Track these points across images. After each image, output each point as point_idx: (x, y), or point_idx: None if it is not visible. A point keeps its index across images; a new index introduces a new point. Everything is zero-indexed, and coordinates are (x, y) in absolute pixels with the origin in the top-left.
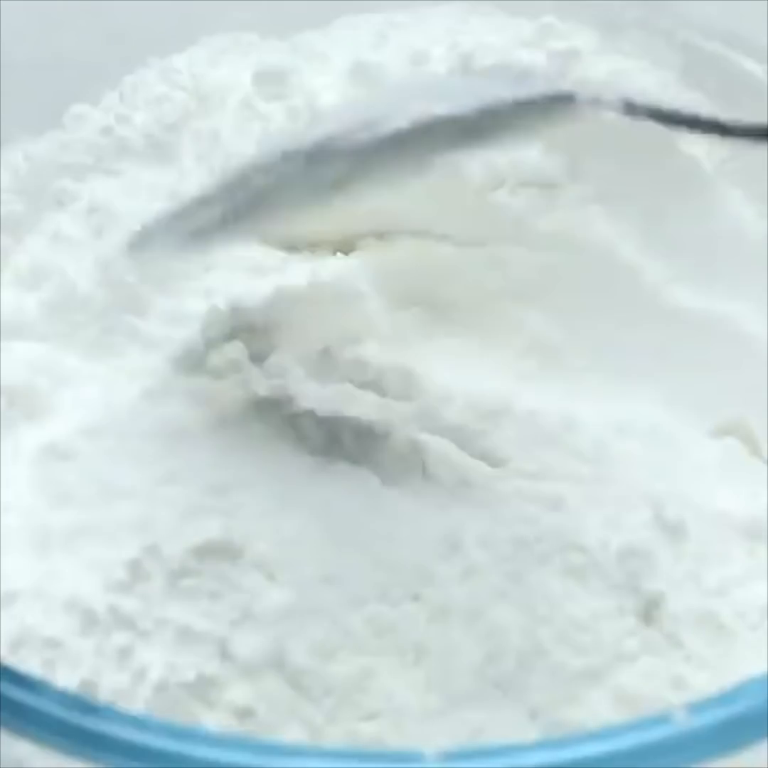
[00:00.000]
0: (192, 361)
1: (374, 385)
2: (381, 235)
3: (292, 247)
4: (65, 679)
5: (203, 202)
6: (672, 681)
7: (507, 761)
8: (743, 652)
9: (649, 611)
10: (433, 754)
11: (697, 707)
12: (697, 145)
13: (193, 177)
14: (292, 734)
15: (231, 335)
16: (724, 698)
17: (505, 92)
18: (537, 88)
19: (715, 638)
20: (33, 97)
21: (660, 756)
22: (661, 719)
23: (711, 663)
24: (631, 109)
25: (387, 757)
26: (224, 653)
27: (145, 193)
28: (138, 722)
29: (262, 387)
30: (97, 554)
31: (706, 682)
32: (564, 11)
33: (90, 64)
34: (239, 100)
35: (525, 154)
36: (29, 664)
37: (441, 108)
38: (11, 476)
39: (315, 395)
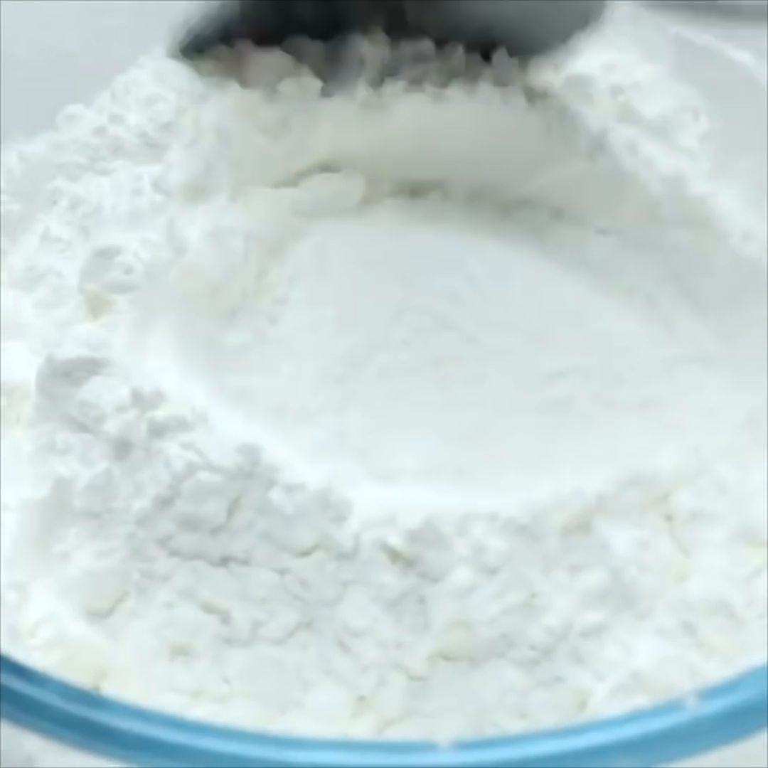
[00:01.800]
0: None
1: None
2: None
3: None
4: None
5: None
6: (685, 669)
7: (518, 750)
8: (752, 641)
9: None
10: (445, 745)
11: (703, 695)
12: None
13: (180, 168)
14: None
15: None
16: (728, 687)
17: None
18: None
19: (726, 626)
20: (26, 98)
21: (668, 745)
22: (671, 708)
23: (721, 651)
24: None
25: (399, 748)
26: None
27: (131, 188)
28: (142, 714)
29: None
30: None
31: (716, 671)
32: None
33: (83, 65)
34: None
35: None
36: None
37: None
38: (11, 475)
39: None
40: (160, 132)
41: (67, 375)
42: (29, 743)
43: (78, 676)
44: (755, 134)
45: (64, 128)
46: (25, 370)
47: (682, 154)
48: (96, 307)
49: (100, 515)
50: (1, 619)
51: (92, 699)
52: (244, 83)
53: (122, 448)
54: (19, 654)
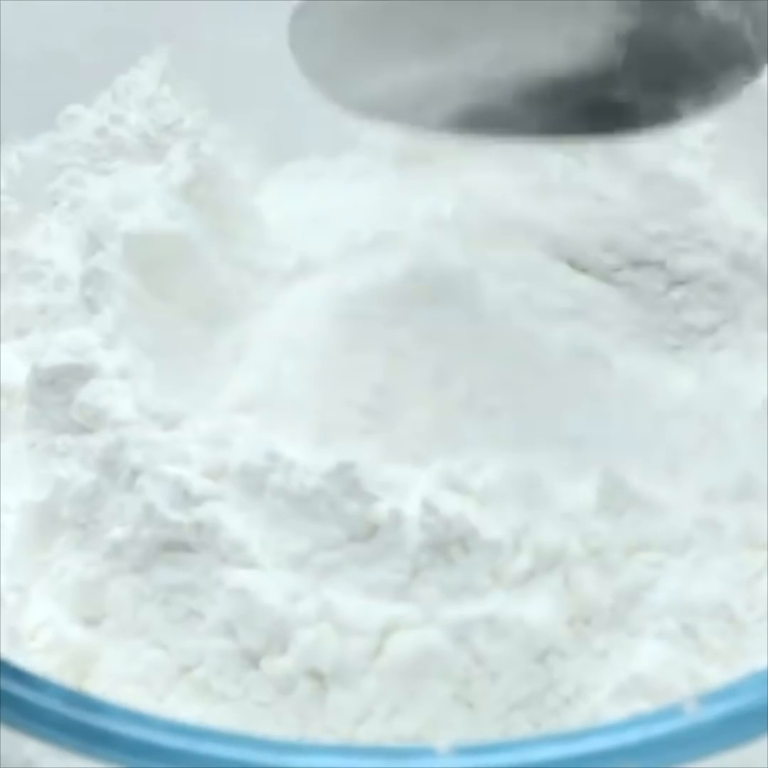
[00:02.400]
0: None
1: None
2: None
3: None
4: None
5: None
6: (686, 672)
7: (517, 755)
8: (753, 645)
9: None
10: (444, 750)
11: (703, 700)
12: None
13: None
14: None
15: None
16: (728, 692)
17: None
18: None
19: (727, 630)
20: (26, 98)
21: (669, 749)
22: (672, 712)
23: (722, 655)
24: None
25: (397, 753)
26: None
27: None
28: (142, 719)
29: None
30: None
31: (716, 674)
32: None
33: (83, 65)
34: None
35: None
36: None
37: None
38: (12, 476)
39: None
40: (161, 133)
41: (52, 383)
42: (28, 747)
43: (78, 680)
44: (757, 134)
45: (65, 128)
46: (25, 371)
47: (686, 154)
48: (96, 308)
49: (85, 526)
50: (1, 622)
51: (92, 703)
52: None
53: (109, 465)
54: (19, 657)
